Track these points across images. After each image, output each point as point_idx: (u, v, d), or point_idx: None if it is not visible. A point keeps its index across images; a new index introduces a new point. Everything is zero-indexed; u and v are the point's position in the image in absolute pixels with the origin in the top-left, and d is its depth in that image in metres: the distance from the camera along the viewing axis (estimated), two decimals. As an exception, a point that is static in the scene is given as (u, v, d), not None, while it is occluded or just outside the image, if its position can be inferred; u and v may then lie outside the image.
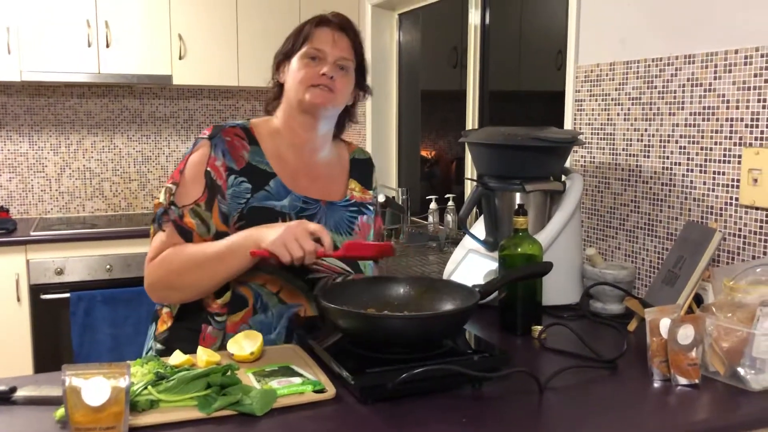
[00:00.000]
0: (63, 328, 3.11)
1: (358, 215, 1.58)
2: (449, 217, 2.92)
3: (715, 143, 1.65)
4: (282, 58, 1.54)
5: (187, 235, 1.43)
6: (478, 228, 1.92)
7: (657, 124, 1.81)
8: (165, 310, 1.53)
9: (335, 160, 1.62)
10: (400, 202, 3.14)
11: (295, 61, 1.50)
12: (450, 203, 2.96)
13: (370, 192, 1.66)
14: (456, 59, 3.59)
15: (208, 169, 1.44)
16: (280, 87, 1.55)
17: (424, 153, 3.97)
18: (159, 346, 1.50)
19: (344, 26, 1.52)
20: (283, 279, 1.45)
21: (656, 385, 1.24)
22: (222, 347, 1.42)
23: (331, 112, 1.54)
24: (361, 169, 1.67)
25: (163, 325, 1.52)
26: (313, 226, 1.33)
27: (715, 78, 1.64)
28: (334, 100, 1.50)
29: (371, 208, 1.63)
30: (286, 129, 1.54)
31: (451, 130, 4.01)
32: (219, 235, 1.43)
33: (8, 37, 3.16)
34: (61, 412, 1.03)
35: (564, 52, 3.11)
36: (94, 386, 0.94)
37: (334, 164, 1.62)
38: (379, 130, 3.79)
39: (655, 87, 1.81)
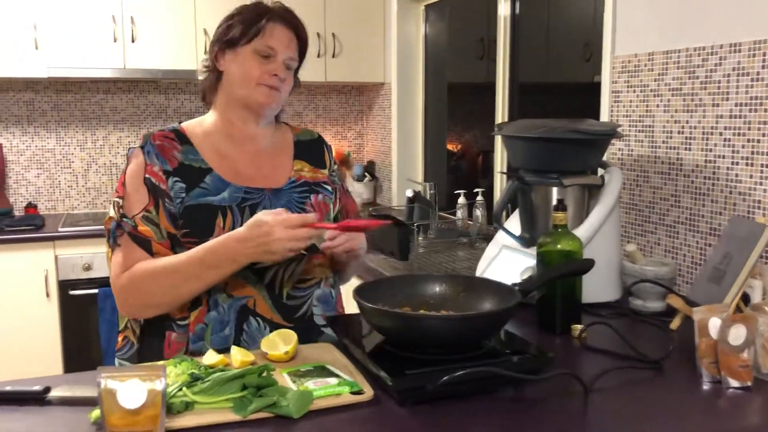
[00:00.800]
0: (91, 323, 3.12)
1: (310, 194, 1.54)
2: (478, 212, 2.87)
3: (763, 135, 1.59)
4: (224, 46, 1.48)
5: (145, 244, 1.40)
6: (512, 223, 1.87)
7: (699, 115, 1.74)
8: (125, 327, 1.52)
9: (279, 145, 1.58)
10: (428, 197, 3.10)
11: (243, 55, 1.45)
12: (479, 198, 2.91)
13: (324, 171, 1.60)
14: (483, 51, 3.54)
15: (147, 175, 1.43)
16: (217, 74, 1.50)
17: (449, 146, 3.92)
18: (125, 362, 1.48)
19: (294, 23, 1.50)
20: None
21: (705, 387, 1.20)
22: (189, 351, 1.39)
23: (275, 111, 1.54)
24: (309, 148, 1.62)
25: (125, 341, 1.50)
26: (294, 218, 1.31)
27: (763, 67, 1.58)
28: (280, 99, 1.50)
29: (328, 187, 1.58)
30: (223, 121, 1.51)
31: (477, 123, 3.95)
32: (170, 238, 1.42)
33: (35, 34, 3.16)
34: (96, 413, 1.01)
35: (592, 43, 3.06)
36: (130, 389, 0.92)
37: (277, 149, 1.57)
38: (404, 123, 3.75)
39: (697, 77, 1.75)
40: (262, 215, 1.32)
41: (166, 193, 1.42)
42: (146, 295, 1.39)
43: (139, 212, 1.41)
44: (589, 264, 1.39)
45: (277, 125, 1.61)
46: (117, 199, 1.44)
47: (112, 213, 1.44)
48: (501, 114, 3.05)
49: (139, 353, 1.49)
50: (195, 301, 1.42)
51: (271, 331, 1.36)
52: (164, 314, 1.44)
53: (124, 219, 1.42)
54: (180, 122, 1.53)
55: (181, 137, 1.48)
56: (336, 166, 1.67)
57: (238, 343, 1.40)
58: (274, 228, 1.29)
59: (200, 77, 1.57)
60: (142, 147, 1.46)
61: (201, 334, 1.42)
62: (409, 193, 3.08)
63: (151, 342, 1.46)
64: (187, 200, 1.42)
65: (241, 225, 1.35)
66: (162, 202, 1.41)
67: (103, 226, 1.48)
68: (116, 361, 1.50)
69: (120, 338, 1.52)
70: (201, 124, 1.53)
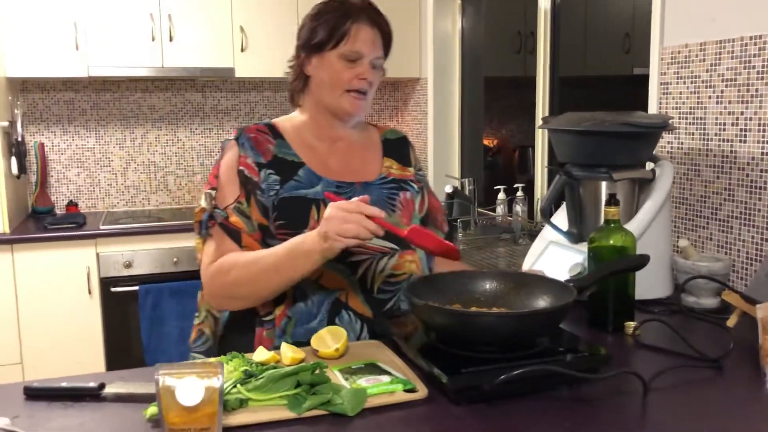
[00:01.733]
0: (132, 320, 3.15)
1: (399, 191, 1.53)
2: (518, 208, 2.83)
3: (824, 126, 1.53)
4: (310, 51, 1.47)
5: (235, 235, 1.41)
6: (559, 218, 1.84)
7: (755, 106, 1.69)
8: (202, 321, 1.52)
9: (367, 143, 1.59)
10: (467, 193, 3.07)
11: (330, 60, 1.44)
12: (519, 193, 2.87)
13: (410, 169, 1.60)
14: (520, 44, 3.50)
15: (241, 167, 1.44)
16: (305, 78, 1.50)
17: (486, 142, 3.88)
18: (198, 355, 1.49)
19: (378, 21, 1.47)
20: (324, 265, 1.38)
21: (770, 387, 1.15)
22: (274, 347, 1.38)
23: (363, 115, 1.53)
24: (396, 147, 1.62)
25: (200, 334, 1.51)
26: (370, 209, 1.25)
27: (823, 55, 1.52)
28: (367, 105, 1.49)
29: (414, 186, 1.57)
30: (312, 123, 1.52)
31: (514, 117, 3.91)
32: (262, 230, 1.42)
33: (76, 34, 3.20)
34: (151, 410, 1.01)
35: (632, 35, 3.00)
36: (188, 386, 0.91)
37: (366, 147, 1.58)
38: (441, 119, 3.72)
39: (753, 67, 1.69)
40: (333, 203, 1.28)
41: (258, 185, 1.43)
42: (229, 285, 1.39)
43: (232, 203, 1.42)
44: (644, 260, 1.36)
45: (363, 124, 1.61)
46: (210, 191, 1.45)
47: (203, 204, 1.45)
48: (541, 108, 3.01)
49: (220, 348, 1.50)
50: (280, 296, 1.41)
51: (362, 326, 1.37)
52: (251, 310, 1.44)
53: (216, 210, 1.43)
54: (270, 119, 1.55)
55: (274, 131, 1.50)
56: (420, 165, 1.66)
57: None
58: (331, 208, 1.26)
59: (288, 77, 1.55)
60: (236, 139, 1.47)
61: (284, 328, 1.42)
62: (449, 189, 3.06)
63: (237, 338, 1.47)
64: (281, 192, 1.43)
65: None
66: (254, 195, 1.42)
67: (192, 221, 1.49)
68: (190, 354, 1.52)
69: (194, 330, 1.53)
70: (291, 121, 1.54)
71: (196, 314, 1.55)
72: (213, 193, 1.45)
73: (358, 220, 1.23)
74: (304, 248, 1.30)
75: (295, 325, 1.41)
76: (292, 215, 1.41)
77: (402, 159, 1.61)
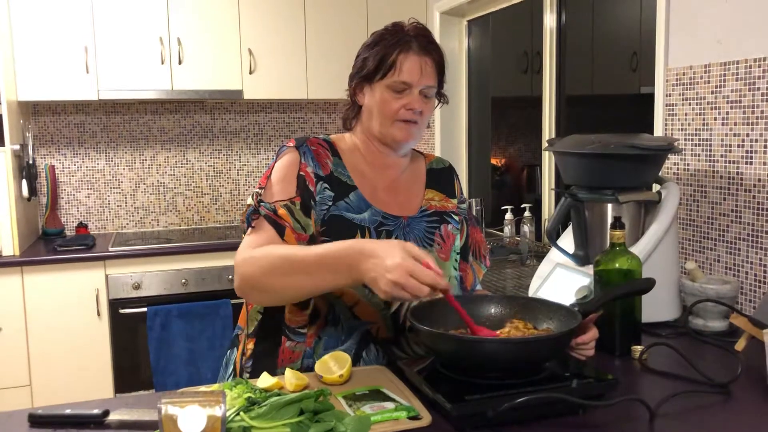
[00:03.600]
0: (141, 341, 3.16)
1: (440, 224, 1.52)
2: (526, 228, 2.83)
3: (830, 147, 1.53)
4: (360, 81, 1.47)
5: (279, 229, 1.36)
6: (565, 240, 1.83)
7: (761, 128, 1.69)
8: (244, 334, 1.51)
9: (413, 174, 1.58)
10: (474, 213, 3.06)
11: (379, 91, 1.43)
12: (527, 213, 2.86)
13: (453, 201, 1.59)
14: (526, 64, 3.51)
15: (301, 173, 1.41)
16: (357, 107, 1.51)
17: (494, 161, 3.88)
18: (246, 375, 1.47)
19: (428, 48, 1.44)
20: (361, 294, 1.40)
21: (779, 413, 1.14)
22: (307, 368, 1.38)
23: (414, 144, 1.52)
24: (440, 177, 1.61)
25: (247, 351, 1.49)
26: (421, 253, 1.16)
27: (828, 77, 1.52)
28: (418, 134, 1.47)
29: (456, 217, 1.57)
30: (364, 149, 1.51)
31: (521, 137, 3.91)
32: (311, 240, 1.39)
33: (86, 57, 3.24)
34: (155, 438, 1.01)
35: (639, 53, 3.00)
36: (190, 415, 0.91)
37: (412, 177, 1.57)
38: (448, 138, 3.73)
39: (758, 89, 1.69)
40: (403, 242, 1.18)
41: (313, 195, 1.41)
42: (258, 275, 1.30)
43: (283, 200, 1.39)
44: (650, 283, 1.35)
45: (412, 152, 1.60)
46: (258, 190, 1.43)
47: (250, 201, 1.43)
48: (548, 128, 3.01)
49: (254, 360, 1.48)
50: (314, 314, 1.41)
51: (388, 362, 1.35)
52: (279, 321, 1.42)
53: (262, 203, 1.40)
54: (327, 134, 1.54)
55: (332, 148, 1.49)
56: (464, 196, 1.65)
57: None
58: (403, 252, 1.14)
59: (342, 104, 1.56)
60: (297, 147, 1.45)
61: (314, 348, 1.41)
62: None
63: (265, 349, 1.45)
64: (333, 209, 1.42)
65: None
66: (310, 203, 1.40)
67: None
68: (243, 375, 1.47)
69: (241, 348, 1.51)
70: (345, 141, 1.53)
71: (241, 330, 1.52)
72: (261, 192, 1.42)
73: (426, 280, 1.13)
74: (347, 261, 1.20)
75: (324, 347, 1.41)
76: (338, 234, 1.38)
77: (445, 190, 1.59)
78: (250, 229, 1.40)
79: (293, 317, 1.43)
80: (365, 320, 1.41)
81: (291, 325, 1.43)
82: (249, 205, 1.42)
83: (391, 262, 1.12)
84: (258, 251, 1.33)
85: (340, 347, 1.40)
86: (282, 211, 1.38)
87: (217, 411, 0.92)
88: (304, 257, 1.26)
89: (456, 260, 1.55)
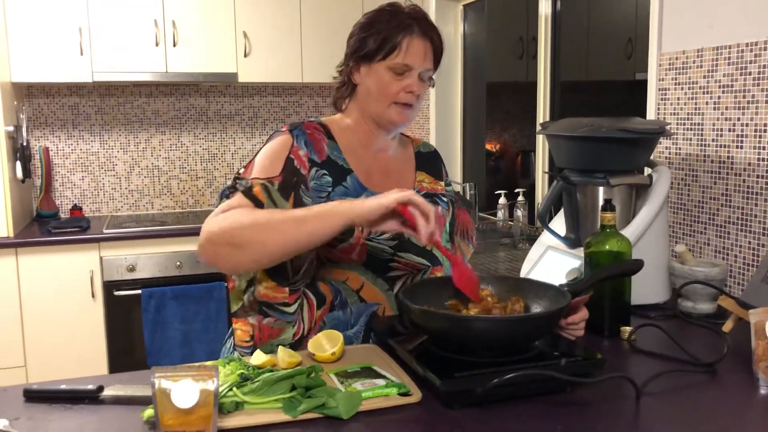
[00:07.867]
0: (135, 323, 3.17)
1: (432, 206, 1.53)
2: (519, 212, 2.84)
3: (820, 132, 1.54)
4: (359, 60, 1.45)
5: (257, 202, 1.32)
6: (557, 223, 1.84)
7: (751, 112, 1.70)
8: (244, 319, 1.50)
9: (402, 156, 1.59)
10: (468, 197, 3.08)
11: (379, 71, 1.42)
12: (520, 198, 2.88)
13: (441, 183, 1.61)
14: (522, 50, 3.51)
15: (291, 156, 1.39)
16: (352, 86, 1.49)
17: (489, 146, 3.89)
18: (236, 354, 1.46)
19: (430, 33, 1.44)
20: (365, 276, 1.42)
21: (763, 392, 1.16)
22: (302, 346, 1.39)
23: (407, 126, 1.52)
24: (428, 161, 1.62)
25: (246, 334, 1.45)
26: (418, 198, 1.22)
27: (819, 62, 1.53)
28: (413, 116, 1.47)
29: (445, 199, 1.58)
30: (357, 129, 1.51)
31: (516, 122, 3.92)
32: None
33: (80, 39, 3.23)
34: (149, 412, 1.02)
35: (634, 40, 3.00)
36: (183, 389, 0.92)
37: (402, 159, 1.59)
38: (443, 123, 3.73)
39: (749, 73, 1.70)
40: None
41: (305, 180, 1.38)
42: (236, 227, 1.25)
43: (261, 178, 1.35)
44: (638, 264, 1.36)
45: (400, 135, 1.59)
46: (238, 173, 1.40)
47: (228, 183, 1.41)
48: (542, 113, 3.02)
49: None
50: (318, 300, 1.41)
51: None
52: (259, 299, 1.38)
53: (238, 180, 1.37)
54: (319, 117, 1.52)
55: (327, 132, 1.47)
56: (449, 179, 1.66)
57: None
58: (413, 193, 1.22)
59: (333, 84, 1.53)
60: (290, 130, 1.43)
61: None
62: (450, 194, 3.07)
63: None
64: (333, 195, 1.41)
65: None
66: (296, 188, 1.36)
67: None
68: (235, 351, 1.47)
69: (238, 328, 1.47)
70: (338, 123, 1.51)
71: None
72: (241, 172, 1.40)
73: (426, 208, 1.22)
74: (336, 207, 1.23)
75: None
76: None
77: (433, 173, 1.60)
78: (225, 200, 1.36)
79: (271, 293, 1.38)
80: (371, 302, 1.43)
81: (269, 300, 1.38)
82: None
83: (390, 193, 1.21)
84: (235, 211, 1.29)
85: (350, 330, 1.41)
86: (257, 189, 1.33)
87: (210, 385, 0.94)
88: (291, 212, 1.27)
89: (447, 241, 1.57)
